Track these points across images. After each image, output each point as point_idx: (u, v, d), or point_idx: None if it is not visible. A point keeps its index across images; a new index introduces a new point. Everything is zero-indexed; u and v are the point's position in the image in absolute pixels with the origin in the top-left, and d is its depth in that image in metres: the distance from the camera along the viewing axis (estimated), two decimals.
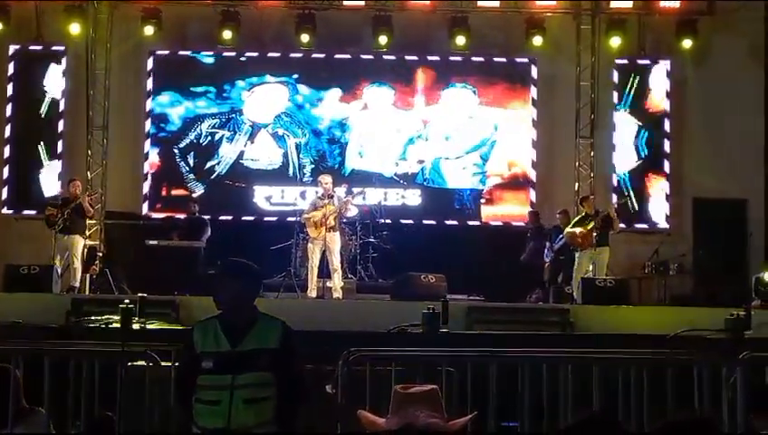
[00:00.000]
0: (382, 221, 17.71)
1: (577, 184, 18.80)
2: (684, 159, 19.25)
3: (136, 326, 10.83)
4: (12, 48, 18.95)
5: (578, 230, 16.16)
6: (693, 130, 19.26)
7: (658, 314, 14.61)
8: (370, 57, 19.37)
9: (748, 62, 19.25)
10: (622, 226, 16.84)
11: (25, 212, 18.31)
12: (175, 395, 6.37)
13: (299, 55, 19.36)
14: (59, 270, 15.35)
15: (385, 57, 19.34)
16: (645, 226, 18.91)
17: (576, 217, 16.93)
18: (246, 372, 5.65)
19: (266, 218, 18.75)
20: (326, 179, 15.73)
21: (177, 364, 6.83)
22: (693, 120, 19.26)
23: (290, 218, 17.10)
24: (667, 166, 19.20)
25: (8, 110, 18.89)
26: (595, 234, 15.93)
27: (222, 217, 18.47)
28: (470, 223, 19.21)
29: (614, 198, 17.68)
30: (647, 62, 19.39)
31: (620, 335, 11.26)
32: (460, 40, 18.82)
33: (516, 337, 11.36)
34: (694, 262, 18.22)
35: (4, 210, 18.61)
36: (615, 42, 18.88)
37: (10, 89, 18.92)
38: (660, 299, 17.17)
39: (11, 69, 18.95)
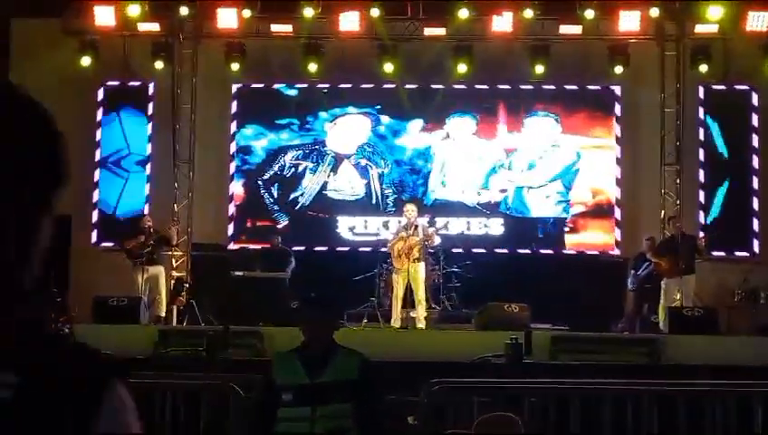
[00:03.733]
0: (465, 251, 17.63)
1: (663, 211, 18.55)
2: None
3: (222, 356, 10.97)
4: (102, 84, 19.34)
5: (669, 262, 15.90)
6: None
7: (749, 344, 14.35)
8: (452, 87, 19.39)
9: None
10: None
11: (112, 244, 18.55)
12: (255, 428, 6.41)
13: (381, 86, 19.48)
14: (146, 302, 15.60)
15: (467, 86, 19.35)
16: (734, 253, 18.57)
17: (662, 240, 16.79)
18: (325, 405, 5.68)
19: (350, 249, 18.82)
20: (410, 208, 15.77)
21: (256, 397, 6.86)
22: None
23: (373, 249, 17.14)
24: (755, 192, 18.85)
25: (98, 148, 19.27)
26: (683, 263, 15.71)
27: (306, 248, 18.61)
28: (554, 252, 19.05)
29: (701, 234, 17.38)
30: (733, 87, 19.11)
31: (709, 367, 11.09)
32: (541, 68, 18.76)
33: (601, 368, 11.25)
34: None
35: (93, 242, 18.92)
36: (701, 68, 18.60)
37: (100, 127, 19.30)
38: (751, 329, 16.82)
39: (101, 104, 19.33)
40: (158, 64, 18.91)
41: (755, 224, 18.77)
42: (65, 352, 1.56)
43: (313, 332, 5.87)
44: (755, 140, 18.98)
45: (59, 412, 1.50)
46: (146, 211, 18.41)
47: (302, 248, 18.41)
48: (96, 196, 19.12)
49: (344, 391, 5.73)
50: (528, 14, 18.32)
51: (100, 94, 19.39)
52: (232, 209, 19.38)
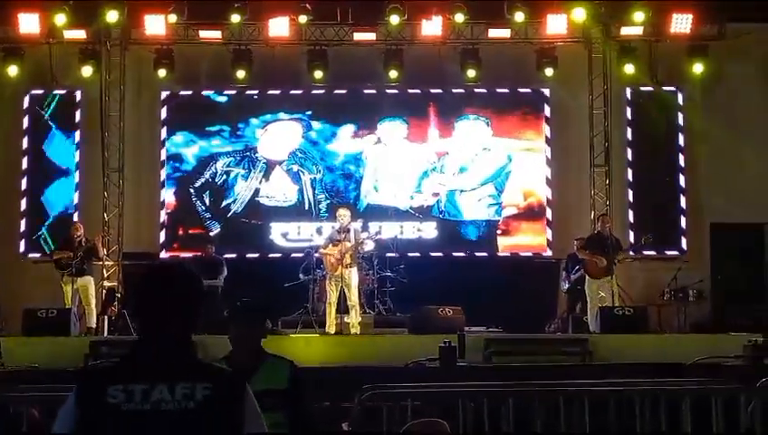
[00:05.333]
0: (399, 255, 17.66)
1: (593, 212, 18.74)
2: (700, 184, 19.18)
3: None
4: (27, 93, 19.05)
5: (601, 260, 15.95)
6: (708, 155, 19.19)
7: (678, 341, 14.56)
8: (383, 91, 19.44)
9: (761, 84, 19.21)
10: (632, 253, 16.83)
11: (41, 255, 18.31)
12: None
13: (312, 92, 19.46)
14: (76, 313, 15.41)
15: (397, 91, 19.40)
16: (663, 252, 18.79)
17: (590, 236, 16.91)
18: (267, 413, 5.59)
19: (283, 255, 18.74)
20: (343, 213, 15.79)
21: None
22: (707, 146, 19.20)
23: (306, 254, 17.10)
24: (683, 192, 19.13)
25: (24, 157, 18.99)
26: (605, 263, 15.86)
27: (239, 255, 18.53)
28: (487, 254, 19.16)
29: (631, 236, 17.65)
30: (659, 88, 19.37)
31: (639, 365, 11.22)
32: (472, 72, 18.88)
33: (534, 369, 11.33)
34: (712, 288, 18.10)
35: (21, 252, 18.64)
36: (626, 69, 18.86)
37: (26, 135, 19.01)
38: (680, 326, 17.05)
39: (26, 114, 19.04)
40: (86, 72, 18.67)
41: (684, 223, 19.05)
42: (219, 369, 3.50)
43: (240, 341, 5.83)
44: (681, 140, 19.26)
45: (229, 402, 3.35)
46: (75, 219, 18.16)
47: (235, 255, 18.36)
48: (24, 205, 18.85)
49: (274, 400, 5.68)
50: (458, 18, 18.42)
51: (26, 103, 19.08)
52: (163, 217, 19.21)
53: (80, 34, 18.70)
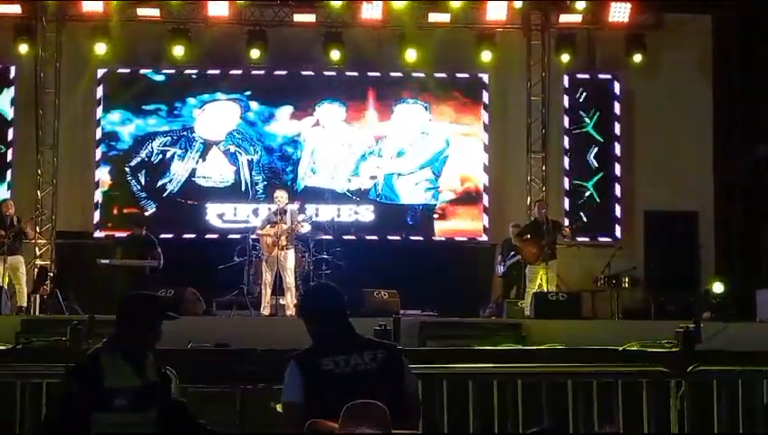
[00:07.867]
0: (335, 238, 17.63)
1: (529, 198, 18.86)
2: (635, 172, 19.40)
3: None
4: None
5: (533, 248, 16.06)
6: (643, 143, 19.40)
7: (611, 327, 14.70)
8: (322, 73, 19.37)
9: (696, 74, 19.45)
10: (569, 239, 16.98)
11: None
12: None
13: (251, 72, 19.33)
14: (7, 292, 15.19)
15: (336, 73, 19.35)
16: (597, 239, 18.97)
17: (527, 223, 16.99)
18: (152, 408, 5.16)
19: (219, 236, 18.63)
20: (281, 195, 15.77)
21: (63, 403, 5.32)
22: (643, 134, 19.41)
23: (242, 236, 17.01)
24: (617, 179, 19.33)
25: None
26: (548, 249, 15.98)
27: (175, 236, 18.40)
28: (423, 238, 19.21)
29: (566, 221, 17.84)
30: (596, 76, 19.54)
31: (572, 350, 11.30)
32: (411, 55, 18.85)
33: (468, 353, 11.37)
34: (646, 275, 18.32)
35: None
36: (565, 57, 18.99)
37: None
38: (613, 312, 17.24)
39: None
40: (22, 48, 18.36)
41: (618, 210, 19.25)
42: (386, 342, 5.83)
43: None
44: (617, 128, 19.45)
45: (396, 362, 5.21)
46: (7, 196, 17.86)
47: (171, 235, 18.22)
48: None
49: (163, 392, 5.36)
50: (398, 2, 18.44)
51: None
52: (98, 196, 18.98)
53: (14, 9, 18.41)
